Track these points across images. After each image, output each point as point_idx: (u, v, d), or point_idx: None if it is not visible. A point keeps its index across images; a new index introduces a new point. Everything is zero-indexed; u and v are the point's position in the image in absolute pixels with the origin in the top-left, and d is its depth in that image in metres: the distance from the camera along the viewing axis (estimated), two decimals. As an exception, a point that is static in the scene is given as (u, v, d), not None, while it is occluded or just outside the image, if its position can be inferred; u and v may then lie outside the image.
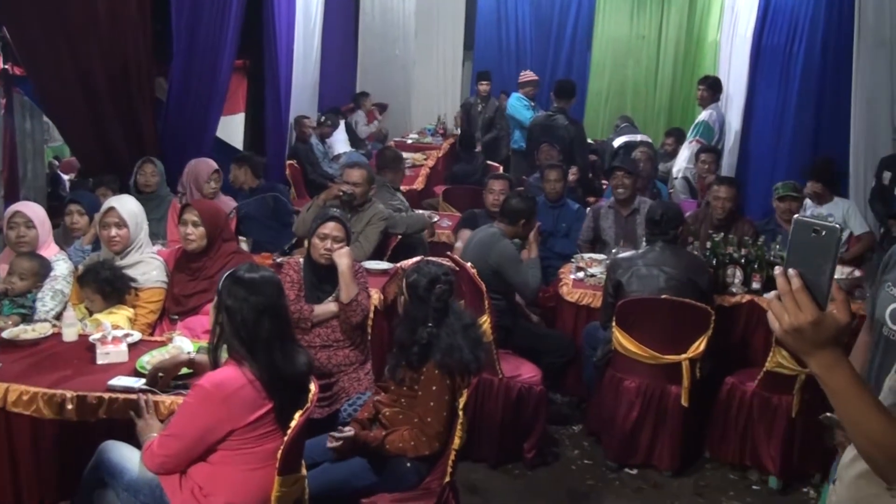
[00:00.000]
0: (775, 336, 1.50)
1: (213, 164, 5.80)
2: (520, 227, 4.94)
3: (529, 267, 4.78)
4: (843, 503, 1.80)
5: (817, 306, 1.42)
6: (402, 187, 6.76)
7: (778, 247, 4.97)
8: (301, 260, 4.23)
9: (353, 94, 11.83)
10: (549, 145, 7.53)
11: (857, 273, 4.98)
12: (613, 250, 5.31)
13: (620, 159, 6.24)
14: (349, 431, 3.21)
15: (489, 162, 9.49)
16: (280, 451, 2.68)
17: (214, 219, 4.10)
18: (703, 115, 7.96)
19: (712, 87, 8.07)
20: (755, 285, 4.83)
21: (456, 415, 3.22)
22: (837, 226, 1.44)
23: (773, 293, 1.47)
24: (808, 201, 6.27)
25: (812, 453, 4.29)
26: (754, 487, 4.42)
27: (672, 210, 4.63)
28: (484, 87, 10.30)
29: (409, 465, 3.19)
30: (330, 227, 4.03)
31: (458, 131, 10.75)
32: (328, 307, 4.03)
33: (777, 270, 1.47)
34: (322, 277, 4.09)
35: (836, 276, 4.58)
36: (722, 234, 5.10)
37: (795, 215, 1.53)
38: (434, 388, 3.15)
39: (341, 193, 5.24)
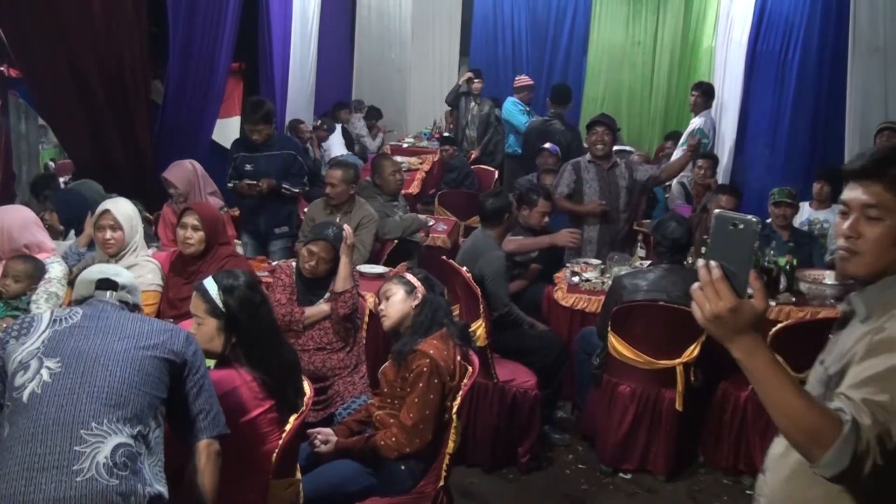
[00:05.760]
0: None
1: (166, 173, 5.39)
2: (506, 223, 5.04)
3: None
4: (776, 494, 1.88)
5: (736, 295, 1.53)
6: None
7: (773, 252, 4.98)
8: (294, 264, 4.25)
9: (349, 98, 11.84)
10: (548, 151, 7.49)
11: (851, 279, 4.98)
12: (613, 258, 5.29)
13: (601, 116, 6.12)
14: (332, 439, 3.30)
15: (485, 166, 9.45)
16: (275, 455, 2.68)
17: (214, 223, 4.11)
18: (697, 121, 7.93)
19: (706, 94, 8.05)
20: (749, 291, 4.83)
21: (444, 417, 3.23)
22: (754, 219, 1.54)
23: (696, 284, 1.56)
24: (804, 206, 6.29)
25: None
26: (748, 492, 4.40)
27: (685, 229, 4.52)
28: (477, 84, 9.97)
29: (403, 468, 3.20)
30: (320, 247, 4.04)
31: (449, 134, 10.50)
32: (319, 308, 4.05)
33: (699, 262, 1.57)
34: (315, 284, 4.11)
35: (829, 282, 4.63)
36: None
37: (716, 210, 1.62)
38: (420, 384, 3.16)
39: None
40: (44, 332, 2.27)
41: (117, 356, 2.24)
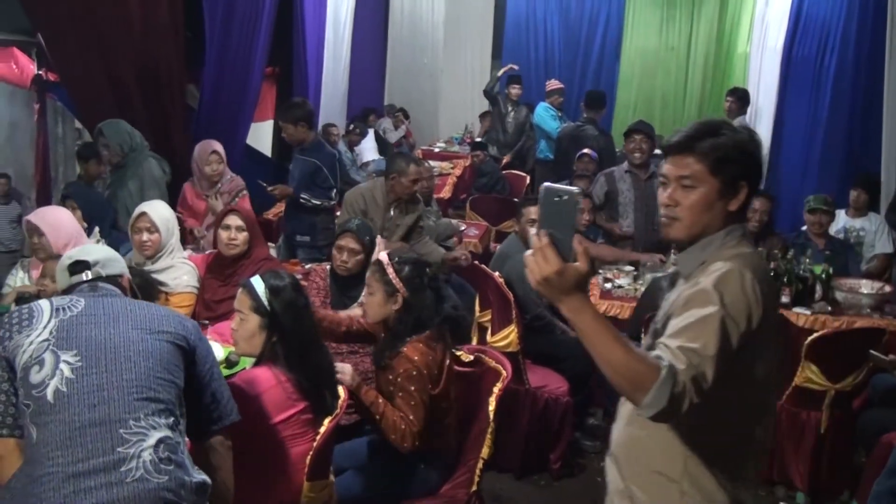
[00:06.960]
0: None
1: (213, 146, 5.49)
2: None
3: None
4: (619, 438, 2.14)
5: (562, 259, 1.67)
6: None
7: (808, 261, 4.93)
8: (328, 267, 4.25)
9: (381, 102, 11.90)
10: (589, 157, 7.43)
11: (887, 289, 4.94)
12: (646, 265, 5.26)
13: (639, 123, 6.15)
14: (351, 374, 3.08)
15: (516, 171, 9.41)
16: (309, 457, 2.69)
17: (254, 224, 4.20)
18: (732, 126, 7.87)
19: (741, 100, 7.98)
20: (784, 299, 4.79)
21: (436, 414, 3.15)
22: (576, 190, 1.71)
23: (529, 251, 1.72)
24: (840, 213, 6.24)
25: (840, 470, 4.25)
26: (781, 503, 4.38)
27: None
28: (516, 90, 9.70)
29: (423, 466, 3.19)
30: (346, 240, 4.06)
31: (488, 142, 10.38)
32: (353, 312, 4.05)
33: (532, 231, 1.72)
34: (349, 285, 4.12)
35: (866, 291, 4.68)
36: (751, 247, 5.05)
37: (545, 182, 1.77)
38: (412, 388, 3.05)
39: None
40: (49, 322, 2.16)
41: (136, 346, 2.18)
